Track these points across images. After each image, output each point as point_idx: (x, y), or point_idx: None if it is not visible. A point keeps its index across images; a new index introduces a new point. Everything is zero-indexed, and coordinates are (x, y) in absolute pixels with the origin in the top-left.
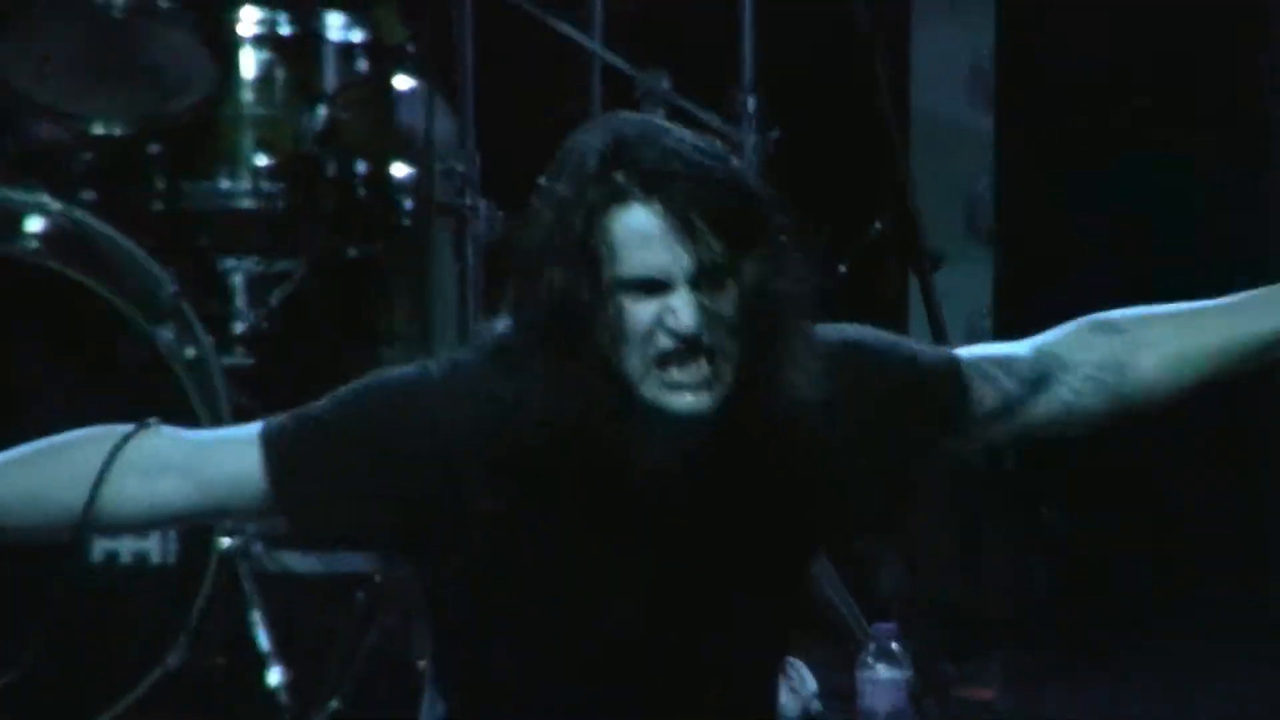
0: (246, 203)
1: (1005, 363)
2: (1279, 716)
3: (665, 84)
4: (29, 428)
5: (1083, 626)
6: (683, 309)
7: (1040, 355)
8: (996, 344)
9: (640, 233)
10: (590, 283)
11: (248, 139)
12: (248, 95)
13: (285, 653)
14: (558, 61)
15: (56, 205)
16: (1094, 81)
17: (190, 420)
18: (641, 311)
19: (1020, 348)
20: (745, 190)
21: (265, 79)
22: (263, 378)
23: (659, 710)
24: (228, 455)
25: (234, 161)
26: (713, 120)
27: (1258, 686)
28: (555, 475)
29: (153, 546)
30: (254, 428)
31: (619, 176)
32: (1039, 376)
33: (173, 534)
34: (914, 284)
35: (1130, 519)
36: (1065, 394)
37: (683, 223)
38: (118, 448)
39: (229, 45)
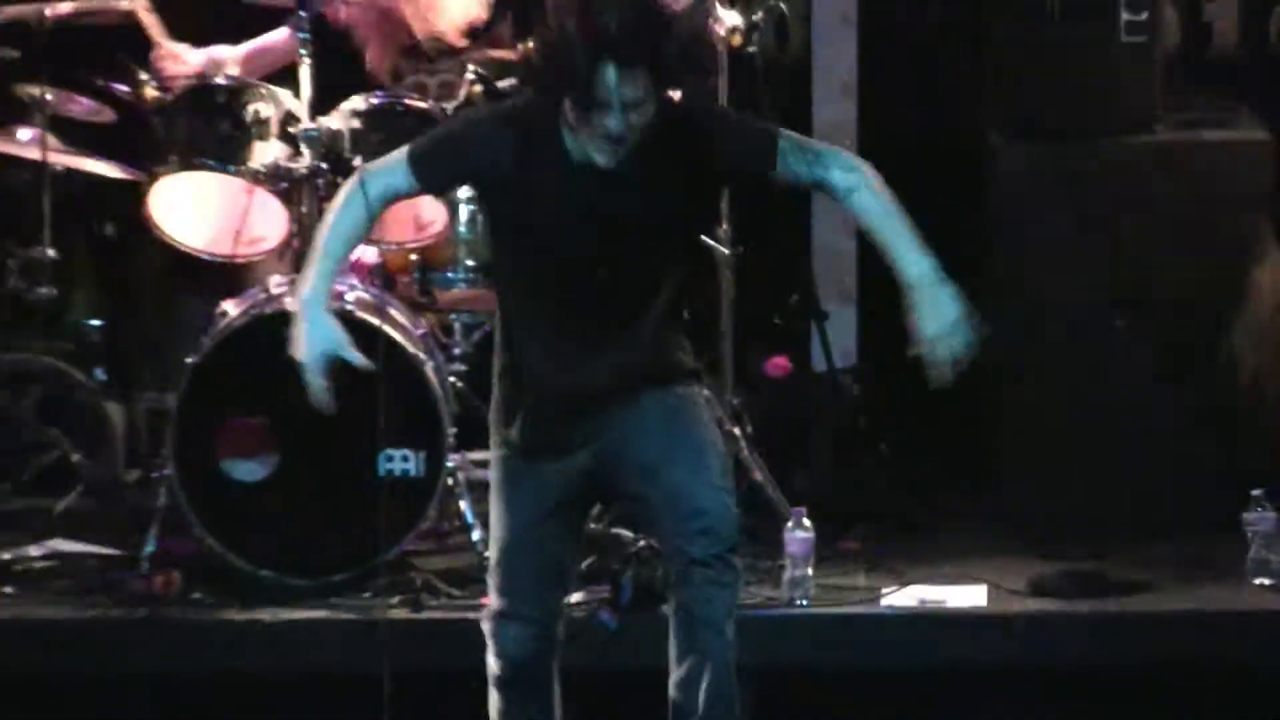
0: (463, 284)
1: (802, 148)
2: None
3: None
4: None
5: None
6: (614, 123)
7: (821, 157)
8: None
9: (606, 83)
10: (575, 95)
11: (464, 252)
12: (463, 229)
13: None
14: None
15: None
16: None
17: (428, 401)
18: (594, 116)
19: (815, 147)
20: (668, 43)
21: (472, 220)
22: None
23: (600, 306)
24: (393, 160)
25: (456, 262)
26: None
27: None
28: (546, 166)
29: (410, 467)
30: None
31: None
32: (811, 166)
33: (422, 458)
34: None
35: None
36: (814, 176)
37: (629, 76)
38: (361, 182)
39: (454, 202)
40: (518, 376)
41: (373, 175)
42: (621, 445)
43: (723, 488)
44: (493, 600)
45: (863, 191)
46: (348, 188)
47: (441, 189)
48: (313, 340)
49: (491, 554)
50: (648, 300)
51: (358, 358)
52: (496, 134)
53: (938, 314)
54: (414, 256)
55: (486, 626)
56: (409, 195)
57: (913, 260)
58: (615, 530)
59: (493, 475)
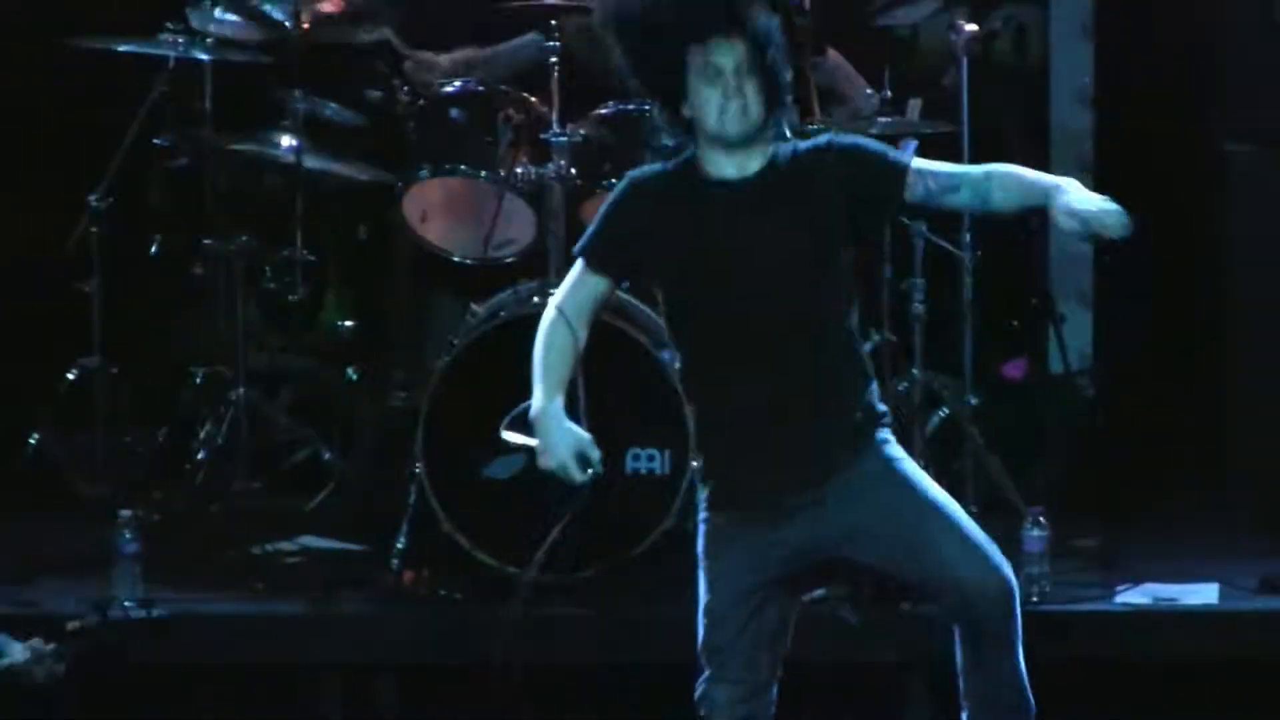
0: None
1: (935, 175)
2: None
3: None
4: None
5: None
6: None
7: (954, 178)
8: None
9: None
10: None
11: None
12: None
13: None
14: None
15: None
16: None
17: (674, 400)
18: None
19: (949, 170)
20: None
21: None
22: None
23: (767, 341)
24: (572, 275)
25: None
26: None
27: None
28: (688, 196)
29: (657, 465)
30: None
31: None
32: (944, 191)
33: (668, 456)
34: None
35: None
36: (948, 202)
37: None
38: (558, 311)
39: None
40: (707, 429)
41: (564, 300)
42: (861, 527)
43: (986, 546)
44: (703, 666)
45: (994, 185)
46: (546, 320)
47: (624, 272)
48: (562, 447)
49: (701, 622)
50: (812, 331)
51: (598, 456)
52: (638, 190)
53: (1089, 199)
54: None
55: (697, 693)
56: (607, 292)
57: (1056, 181)
58: None
59: (700, 543)
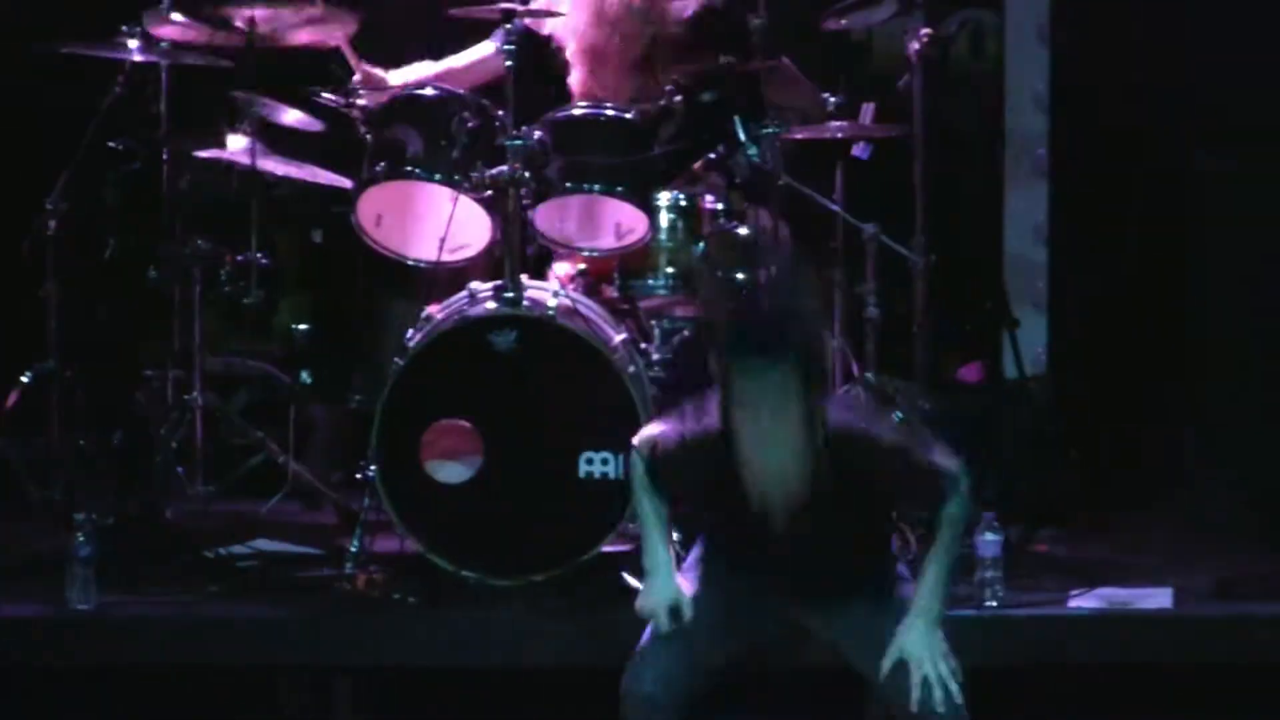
0: (663, 291)
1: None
2: None
3: None
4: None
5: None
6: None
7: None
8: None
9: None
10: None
11: (663, 259)
12: (663, 236)
13: None
14: None
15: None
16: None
17: (628, 405)
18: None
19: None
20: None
21: (671, 227)
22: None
23: (789, 566)
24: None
25: (656, 269)
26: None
27: None
28: (732, 483)
29: (610, 470)
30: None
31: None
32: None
33: (622, 460)
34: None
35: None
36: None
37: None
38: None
39: (654, 210)
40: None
41: (641, 456)
42: (843, 643)
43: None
44: (637, 657)
45: (952, 522)
46: (634, 472)
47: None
48: (663, 593)
49: (651, 626)
50: (837, 566)
51: (688, 615)
52: (695, 460)
53: (925, 643)
54: (614, 262)
55: (623, 682)
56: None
57: (933, 599)
58: None
59: (691, 556)
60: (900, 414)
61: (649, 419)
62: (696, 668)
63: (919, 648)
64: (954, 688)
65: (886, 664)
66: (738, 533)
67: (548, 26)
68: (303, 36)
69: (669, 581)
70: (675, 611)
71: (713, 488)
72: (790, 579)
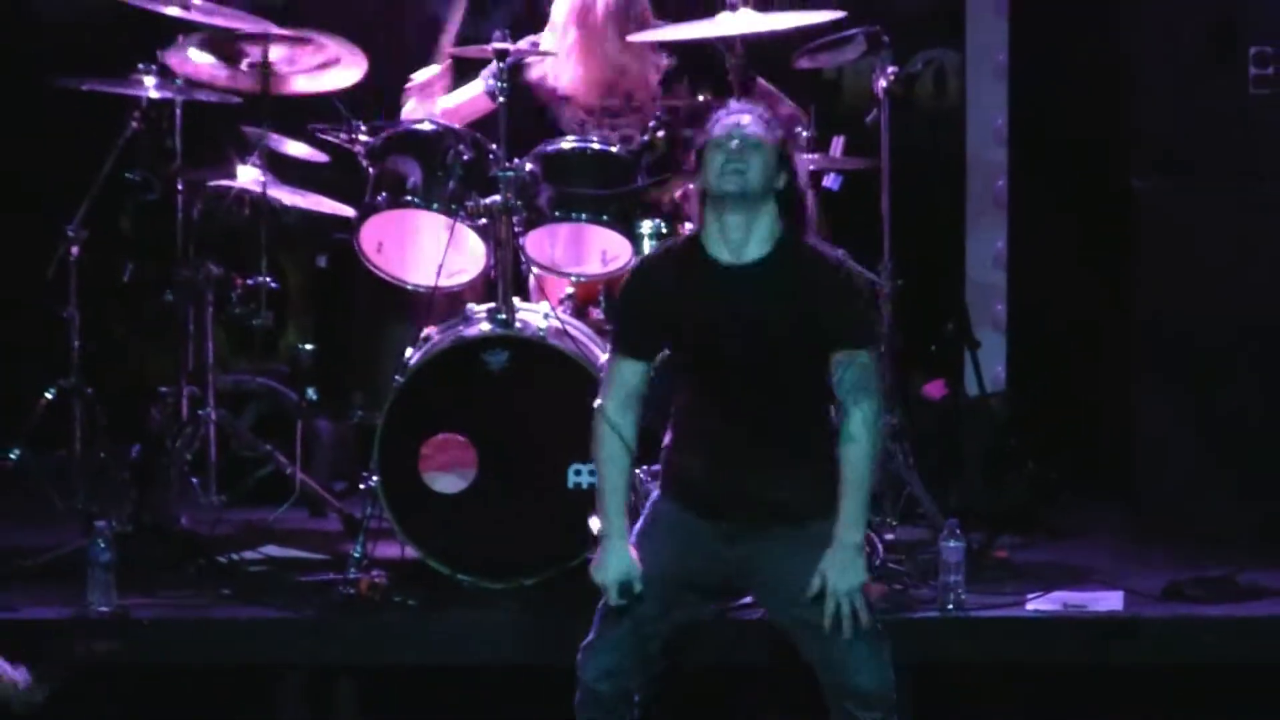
0: None
1: (867, 374)
2: None
3: None
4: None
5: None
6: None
7: (863, 395)
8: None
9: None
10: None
11: None
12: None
13: None
14: None
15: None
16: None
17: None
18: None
19: (871, 385)
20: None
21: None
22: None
23: (750, 400)
24: (609, 369)
25: None
26: None
27: None
28: (697, 274)
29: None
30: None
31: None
32: (854, 390)
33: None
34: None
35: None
36: (844, 399)
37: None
38: (606, 416)
39: (637, 237)
40: (684, 449)
41: (607, 401)
42: (784, 584)
43: (881, 656)
44: (595, 627)
45: (858, 449)
46: (597, 433)
47: (653, 350)
48: (613, 572)
49: (601, 606)
50: (789, 404)
51: (639, 589)
52: (653, 271)
53: (847, 573)
54: (600, 286)
55: (580, 652)
56: (644, 377)
57: (853, 528)
58: None
59: (640, 521)
60: None
61: None
62: (644, 649)
63: (842, 579)
64: (865, 617)
65: (810, 593)
66: (700, 382)
67: (535, 69)
68: (313, 83)
69: (622, 555)
70: (627, 587)
71: (679, 301)
72: (738, 475)
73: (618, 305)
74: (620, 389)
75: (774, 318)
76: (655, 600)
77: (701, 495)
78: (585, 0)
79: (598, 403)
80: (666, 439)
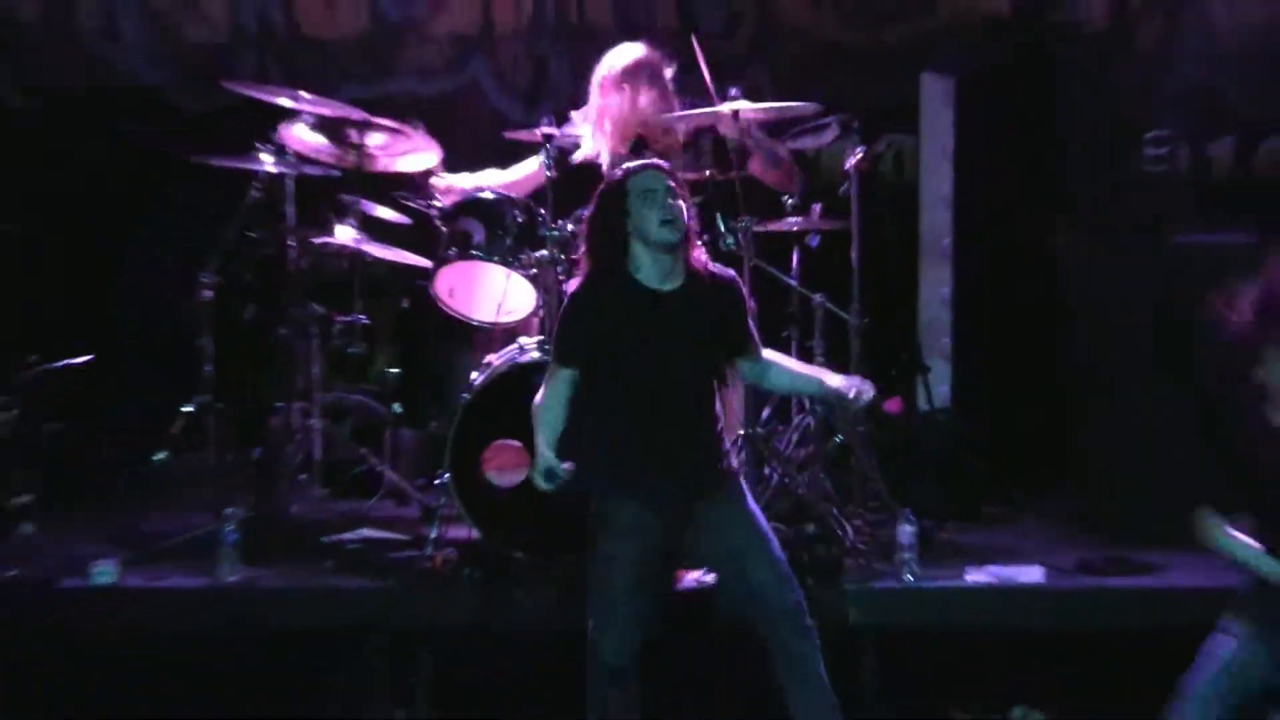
0: None
1: (754, 348)
2: None
3: None
4: None
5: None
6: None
7: (755, 359)
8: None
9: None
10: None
11: None
12: None
13: None
14: None
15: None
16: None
17: None
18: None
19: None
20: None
21: None
22: None
23: (663, 403)
24: (551, 372)
25: None
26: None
27: None
28: (622, 299)
29: None
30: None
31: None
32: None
33: None
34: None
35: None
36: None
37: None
38: (549, 384)
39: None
40: (614, 448)
41: (544, 393)
42: (711, 532)
43: (790, 577)
44: (594, 619)
45: (770, 368)
46: (536, 406)
47: (586, 361)
48: (540, 467)
49: (593, 587)
50: (699, 400)
51: (561, 472)
52: (584, 298)
53: (866, 383)
54: None
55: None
56: (575, 377)
57: (821, 376)
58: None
59: (597, 525)
60: (840, 436)
61: None
62: (644, 616)
63: (865, 386)
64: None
65: (856, 403)
66: (632, 372)
67: (581, 153)
68: (399, 163)
69: (546, 456)
70: (550, 473)
71: (619, 322)
72: (670, 437)
73: (559, 325)
74: (557, 388)
75: (692, 329)
76: (630, 578)
77: (638, 482)
78: (604, 69)
79: (537, 398)
80: (594, 462)
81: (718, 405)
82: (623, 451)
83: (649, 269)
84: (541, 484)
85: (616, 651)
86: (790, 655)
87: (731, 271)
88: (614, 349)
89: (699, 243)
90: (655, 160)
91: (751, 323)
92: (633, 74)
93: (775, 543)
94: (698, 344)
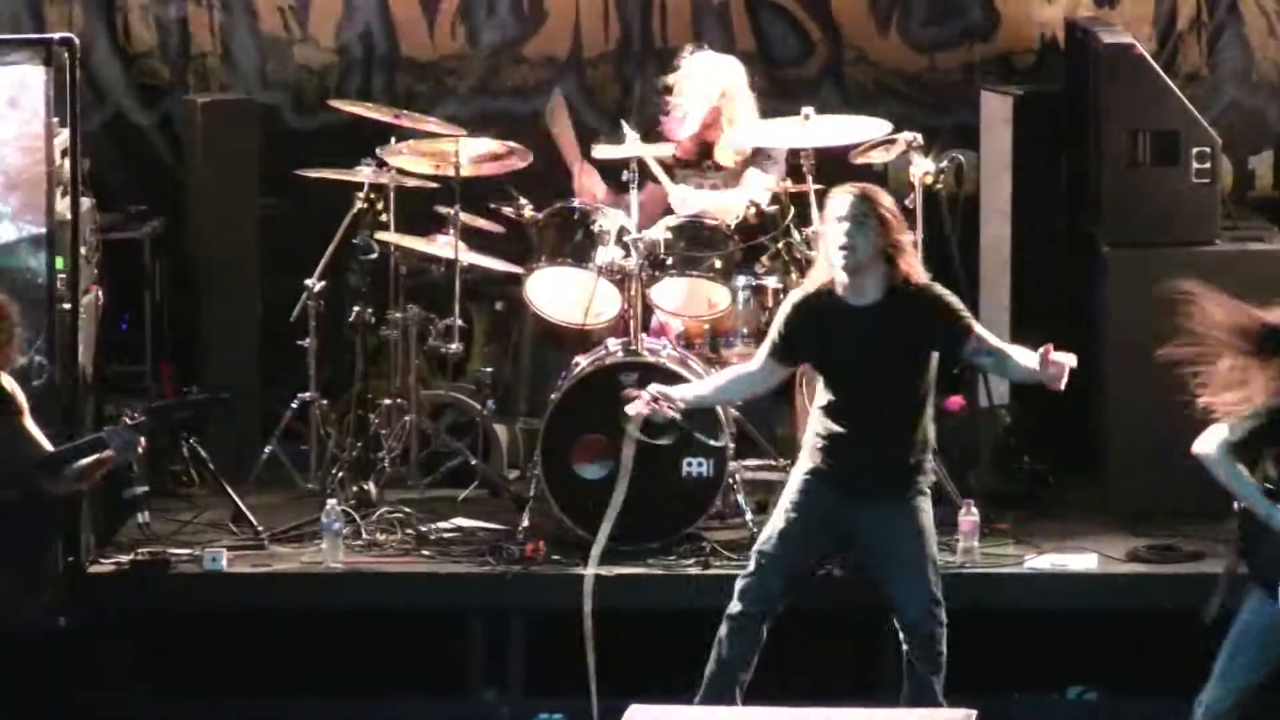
0: (739, 346)
1: (982, 339)
2: None
3: None
4: None
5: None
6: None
7: (990, 347)
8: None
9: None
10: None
11: (740, 323)
12: (740, 307)
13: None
14: None
15: None
16: None
17: (716, 424)
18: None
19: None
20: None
21: (745, 301)
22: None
23: (872, 409)
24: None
25: (735, 331)
26: None
27: None
28: (831, 313)
29: (704, 470)
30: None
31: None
32: (985, 352)
33: (711, 463)
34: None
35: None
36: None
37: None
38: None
39: (734, 289)
40: (825, 439)
41: (739, 365)
42: (877, 540)
43: (935, 599)
44: (750, 562)
45: (1011, 364)
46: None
47: (796, 359)
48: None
49: (764, 532)
50: (900, 408)
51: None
52: (796, 303)
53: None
54: (706, 326)
55: (739, 583)
56: (785, 374)
57: (1031, 358)
58: None
59: (792, 485)
60: None
61: (730, 435)
62: (789, 579)
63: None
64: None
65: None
66: (840, 378)
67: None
68: (491, 168)
69: (664, 390)
70: (655, 401)
71: (825, 331)
72: (864, 439)
73: (777, 323)
74: (760, 374)
75: (889, 340)
76: (795, 538)
77: (833, 469)
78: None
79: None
80: (810, 447)
81: (924, 417)
82: (820, 442)
83: (844, 285)
84: (636, 408)
85: (752, 594)
86: (916, 675)
87: (926, 278)
88: (812, 356)
89: (903, 255)
90: (860, 186)
91: (966, 320)
92: (748, 89)
93: (932, 569)
94: (884, 360)
